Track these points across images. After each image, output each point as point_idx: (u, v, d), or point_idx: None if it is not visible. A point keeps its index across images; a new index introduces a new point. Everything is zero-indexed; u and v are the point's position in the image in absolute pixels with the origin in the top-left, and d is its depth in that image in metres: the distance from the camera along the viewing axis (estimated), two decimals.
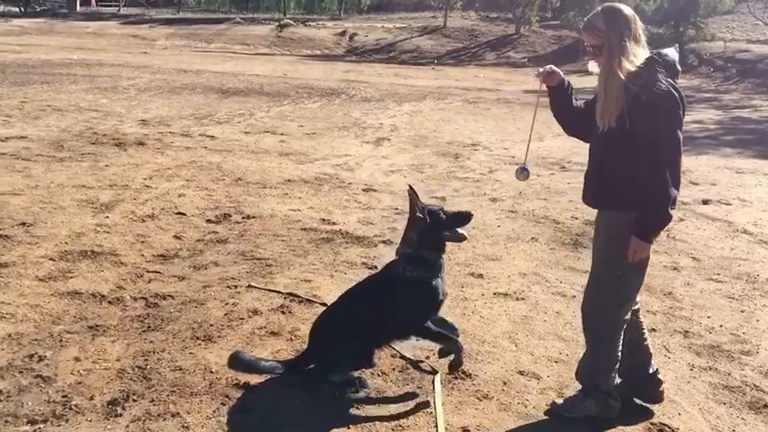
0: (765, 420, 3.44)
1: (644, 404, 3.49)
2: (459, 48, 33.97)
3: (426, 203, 3.61)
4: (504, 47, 33.50)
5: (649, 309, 4.71)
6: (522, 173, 3.63)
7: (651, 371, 3.48)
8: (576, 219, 6.80)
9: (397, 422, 3.25)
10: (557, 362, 3.93)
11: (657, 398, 3.49)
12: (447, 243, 3.60)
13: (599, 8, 3.11)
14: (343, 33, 35.65)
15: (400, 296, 3.48)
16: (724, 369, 3.94)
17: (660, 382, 3.49)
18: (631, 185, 3.03)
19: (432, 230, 3.52)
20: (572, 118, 3.42)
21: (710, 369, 3.94)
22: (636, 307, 3.40)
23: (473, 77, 23.54)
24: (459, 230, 3.58)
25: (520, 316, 4.54)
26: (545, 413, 3.41)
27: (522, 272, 5.33)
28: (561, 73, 3.39)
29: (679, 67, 3.06)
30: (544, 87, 3.44)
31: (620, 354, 3.31)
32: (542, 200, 7.56)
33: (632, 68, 2.97)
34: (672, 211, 3.00)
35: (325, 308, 4.05)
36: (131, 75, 18.31)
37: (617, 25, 3.00)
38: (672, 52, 3.10)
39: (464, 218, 3.60)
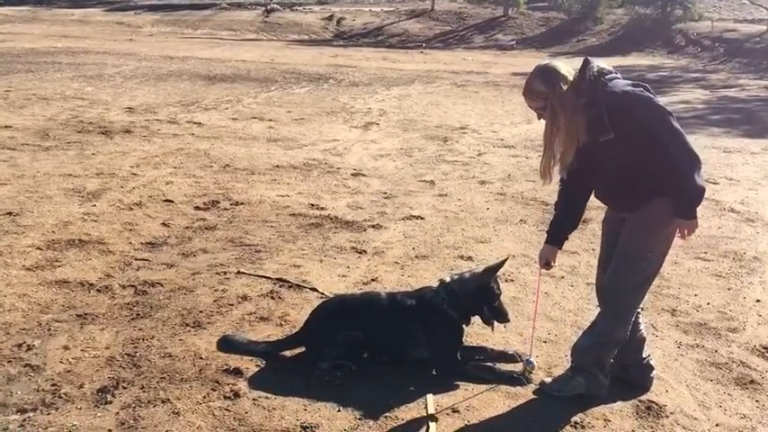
0: (752, 396, 3.48)
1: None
2: (448, 31, 33.81)
3: (498, 280, 3.68)
4: (493, 29, 33.38)
5: None
6: (528, 365, 3.59)
7: (644, 356, 3.50)
8: None
9: (387, 404, 3.27)
10: (545, 342, 3.96)
11: (647, 384, 3.50)
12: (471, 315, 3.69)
13: (534, 71, 3.18)
14: (330, 18, 35.41)
15: (428, 323, 3.58)
16: (711, 346, 3.97)
17: (651, 369, 3.52)
18: (656, 180, 3.08)
19: (483, 296, 3.60)
20: (584, 205, 3.49)
21: (698, 346, 3.97)
22: None
23: (461, 61, 23.45)
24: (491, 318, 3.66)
25: (509, 297, 4.55)
26: (534, 392, 3.44)
27: (510, 254, 5.34)
28: (556, 250, 3.55)
29: (605, 68, 3.16)
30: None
31: (627, 335, 3.34)
32: (531, 182, 7.58)
33: (582, 101, 3.07)
34: (701, 182, 3.02)
35: (332, 296, 4.13)
36: (117, 62, 18.14)
37: (555, 82, 3.08)
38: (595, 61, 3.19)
39: (504, 317, 3.67)
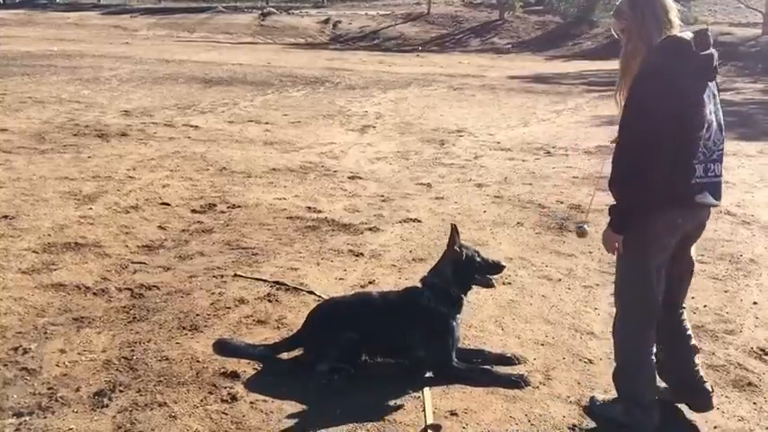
0: (749, 398, 3.48)
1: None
2: (444, 34, 33.84)
3: (464, 244, 3.66)
4: (488, 33, 33.42)
5: None
6: (579, 228, 3.55)
7: (699, 375, 3.20)
8: (562, 203, 6.82)
9: (384, 407, 3.26)
10: (543, 345, 3.96)
11: (706, 404, 3.21)
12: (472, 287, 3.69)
13: None
14: (326, 21, 35.40)
15: (417, 324, 3.58)
16: (708, 349, 3.97)
17: (711, 390, 3.21)
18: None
19: (465, 269, 3.58)
20: None
21: None
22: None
23: (457, 64, 23.48)
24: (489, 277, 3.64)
25: (506, 300, 4.56)
26: (586, 408, 3.34)
27: (507, 256, 5.34)
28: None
29: (695, 49, 2.83)
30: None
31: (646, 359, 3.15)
32: (527, 185, 7.58)
33: (646, 51, 2.91)
34: (625, 197, 2.91)
35: (328, 298, 4.11)
36: (113, 65, 18.12)
37: (639, 8, 2.93)
38: (687, 34, 2.90)
39: (497, 267, 3.67)
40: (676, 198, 2.91)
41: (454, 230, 3.61)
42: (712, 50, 2.91)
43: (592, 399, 3.37)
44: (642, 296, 3.08)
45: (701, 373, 3.22)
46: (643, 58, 2.92)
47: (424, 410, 3.22)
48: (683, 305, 3.28)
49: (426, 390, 3.37)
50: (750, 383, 3.62)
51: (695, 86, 2.87)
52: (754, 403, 3.45)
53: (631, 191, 2.89)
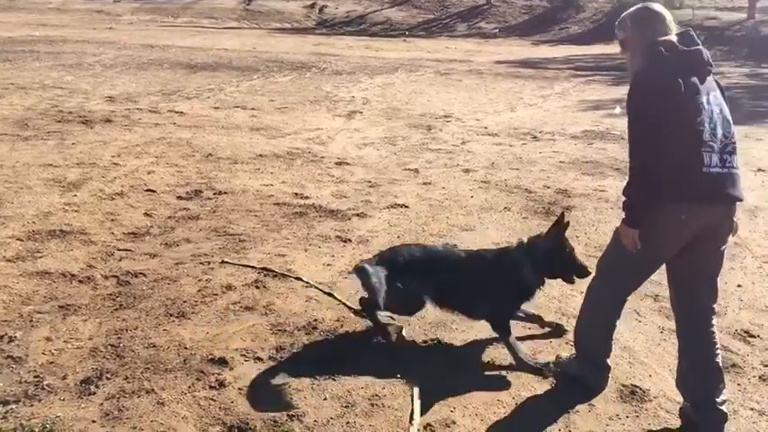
0: (734, 380, 3.52)
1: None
2: (430, 19, 33.76)
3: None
4: (475, 17, 33.37)
5: None
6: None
7: (718, 399, 3.05)
8: (549, 188, 6.84)
9: (373, 392, 3.27)
10: (530, 329, 3.98)
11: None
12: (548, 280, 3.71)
13: (635, 6, 3.18)
14: (312, 5, 35.22)
15: (503, 281, 3.62)
16: None
17: (725, 418, 3.04)
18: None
19: (561, 258, 3.60)
20: None
21: None
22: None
23: (444, 49, 23.43)
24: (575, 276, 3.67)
25: None
26: (547, 364, 3.53)
27: (495, 241, 5.35)
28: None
29: (680, 48, 2.96)
30: None
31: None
32: (515, 170, 7.59)
33: (641, 61, 3.03)
34: (636, 192, 2.95)
35: (406, 245, 4.10)
36: (96, 51, 17.92)
37: (640, 25, 3.11)
38: (672, 36, 3.05)
39: (583, 271, 3.62)
40: (682, 193, 2.89)
41: (563, 217, 3.60)
42: (700, 47, 3.00)
43: (557, 357, 3.61)
44: (624, 278, 3.23)
45: (723, 396, 3.06)
46: (635, 64, 3.07)
47: (411, 396, 3.23)
48: (713, 315, 3.15)
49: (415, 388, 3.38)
50: (734, 365, 3.66)
51: (685, 80, 2.90)
52: (739, 384, 3.49)
53: (638, 187, 2.94)
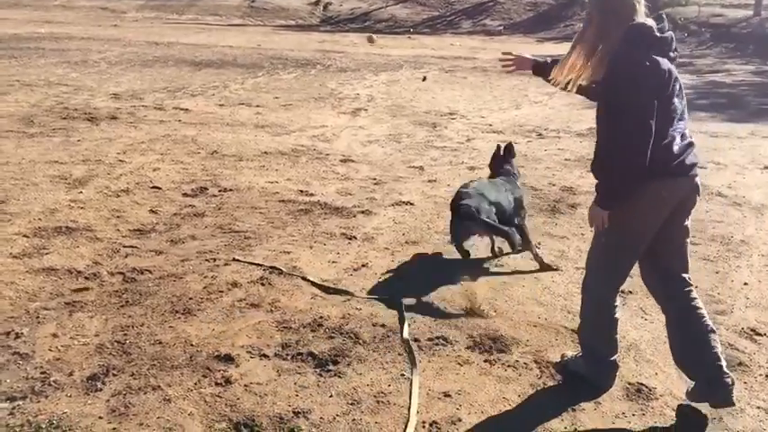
0: (740, 378, 3.51)
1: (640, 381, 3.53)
2: (435, 16, 33.71)
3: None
4: (480, 14, 33.31)
5: None
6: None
7: (718, 362, 3.06)
8: (554, 185, 6.83)
9: (379, 389, 3.27)
10: (536, 326, 3.97)
11: (726, 399, 3.05)
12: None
13: None
14: (316, 2, 35.18)
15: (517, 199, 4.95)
16: None
17: (733, 382, 3.05)
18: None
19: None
20: None
21: None
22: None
23: (449, 46, 23.40)
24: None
25: (499, 282, 4.57)
26: (555, 364, 3.54)
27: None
28: (527, 55, 3.66)
29: (657, 33, 2.96)
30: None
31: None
32: (520, 167, 7.56)
33: (609, 44, 2.98)
34: (617, 176, 2.96)
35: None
36: (101, 48, 17.95)
37: (600, 5, 3.06)
38: (649, 21, 3.03)
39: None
40: (661, 169, 2.95)
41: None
42: (670, 33, 3.05)
43: (562, 356, 3.59)
44: (615, 267, 3.23)
45: (722, 361, 3.06)
46: (607, 45, 2.98)
47: (410, 395, 3.23)
48: (689, 280, 3.24)
49: (415, 375, 3.38)
50: (741, 363, 3.65)
51: (663, 63, 2.95)
52: (745, 383, 3.48)
53: (616, 168, 2.95)
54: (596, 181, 3.09)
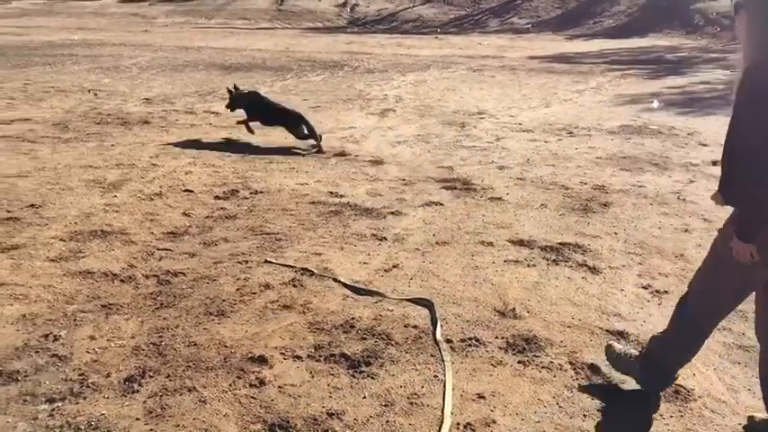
0: None
1: None
2: (462, 15, 33.57)
3: None
4: (508, 13, 33.08)
5: (661, 271, 4.70)
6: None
7: None
8: (585, 184, 6.76)
9: (412, 390, 3.27)
10: (569, 327, 3.93)
11: None
12: None
13: None
14: (344, 4, 35.27)
15: None
16: (738, 329, 3.93)
17: None
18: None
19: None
20: None
21: (724, 329, 3.92)
22: None
23: (477, 45, 23.29)
24: None
25: (531, 282, 4.53)
26: (606, 347, 3.47)
27: (531, 238, 5.31)
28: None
29: None
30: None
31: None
32: (550, 166, 7.51)
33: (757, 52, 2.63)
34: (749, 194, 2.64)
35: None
36: (133, 53, 18.21)
37: (756, 5, 2.66)
38: None
39: None
40: None
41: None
42: None
43: (609, 346, 3.45)
44: (720, 303, 2.98)
45: None
46: (749, 66, 2.63)
47: (443, 397, 3.22)
48: None
49: (448, 368, 3.37)
50: None
51: None
52: None
53: (753, 198, 2.64)
54: (730, 207, 2.79)
